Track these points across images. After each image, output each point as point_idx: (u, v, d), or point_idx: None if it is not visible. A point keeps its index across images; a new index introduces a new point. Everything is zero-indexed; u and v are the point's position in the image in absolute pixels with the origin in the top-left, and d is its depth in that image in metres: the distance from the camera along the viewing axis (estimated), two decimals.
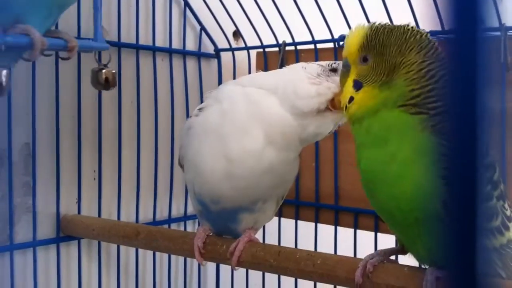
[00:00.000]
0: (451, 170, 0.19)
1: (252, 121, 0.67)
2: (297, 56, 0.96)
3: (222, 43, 1.07)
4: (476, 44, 0.19)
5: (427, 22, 0.80)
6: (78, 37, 0.86)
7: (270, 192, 0.71)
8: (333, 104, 0.67)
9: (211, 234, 0.75)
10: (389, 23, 0.68)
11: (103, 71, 0.81)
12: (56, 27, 0.83)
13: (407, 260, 0.74)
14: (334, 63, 0.69)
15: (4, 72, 0.59)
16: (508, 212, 0.58)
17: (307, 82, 0.67)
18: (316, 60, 0.94)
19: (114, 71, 0.83)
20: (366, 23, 0.61)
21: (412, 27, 0.59)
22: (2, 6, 0.57)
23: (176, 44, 1.03)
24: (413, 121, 0.54)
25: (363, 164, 0.59)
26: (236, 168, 0.68)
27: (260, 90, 0.69)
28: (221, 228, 0.75)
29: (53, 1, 0.63)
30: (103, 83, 0.81)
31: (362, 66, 0.59)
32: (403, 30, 0.58)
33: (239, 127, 0.68)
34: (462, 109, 0.19)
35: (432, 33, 0.82)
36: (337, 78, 0.66)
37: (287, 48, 0.98)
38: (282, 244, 0.97)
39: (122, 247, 0.94)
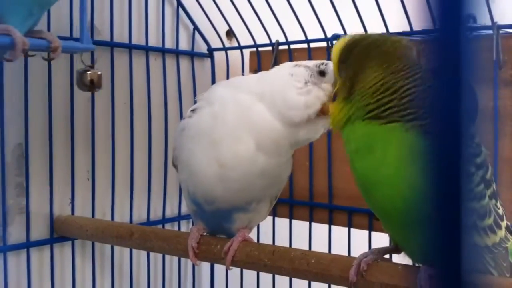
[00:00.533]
0: (435, 168, 0.19)
1: (242, 127, 0.67)
2: (290, 55, 0.96)
3: (215, 43, 1.07)
4: (460, 42, 0.19)
5: (420, 21, 0.80)
6: (70, 37, 0.86)
7: (264, 193, 0.71)
8: (323, 110, 0.66)
9: (205, 233, 0.75)
10: (369, 33, 0.68)
11: (88, 72, 0.81)
12: (49, 27, 0.83)
13: (402, 259, 0.74)
14: (322, 63, 0.68)
15: None
16: (500, 211, 0.58)
17: (296, 92, 0.66)
18: (309, 59, 0.94)
19: (100, 72, 0.82)
20: (350, 34, 0.62)
21: (387, 38, 0.59)
22: None
23: (169, 44, 1.03)
24: (384, 130, 0.55)
25: (355, 170, 0.59)
26: (228, 172, 0.68)
27: (249, 96, 0.68)
28: (216, 227, 0.74)
29: (33, 1, 0.62)
30: (88, 85, 0.81)
31: (340, 78, 0.60)
32: (369, 42, 0.58)
33: (230, 133, 0.67)
34: (446, 108, 0.19)
35: (425, 31, 0.82)
36: (325, 84, 0.66)
37: (281, 47, 0.98)
38: (276, 244, 0.97)
39: (116, 248, 0.94)
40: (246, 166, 0.67)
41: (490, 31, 0.74)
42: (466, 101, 0.18)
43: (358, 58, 0.58)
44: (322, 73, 0.67)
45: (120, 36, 0.95)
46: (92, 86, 0.81)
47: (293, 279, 1.00)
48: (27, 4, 0.62)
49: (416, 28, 0.83)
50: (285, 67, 0.70)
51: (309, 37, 0.94)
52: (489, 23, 0.74)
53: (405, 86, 0.54)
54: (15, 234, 0.83)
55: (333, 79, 0.65)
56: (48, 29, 0.83)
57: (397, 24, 0.85)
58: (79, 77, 0.81)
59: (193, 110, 0.72)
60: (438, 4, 0.19)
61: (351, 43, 0.59)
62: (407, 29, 0.84)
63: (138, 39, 0.98)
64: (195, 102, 0.75)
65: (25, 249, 0.83)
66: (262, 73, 0.73)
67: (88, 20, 0.90)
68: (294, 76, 0.67)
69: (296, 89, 0.66)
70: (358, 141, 0.57)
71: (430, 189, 0.18)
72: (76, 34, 0.86)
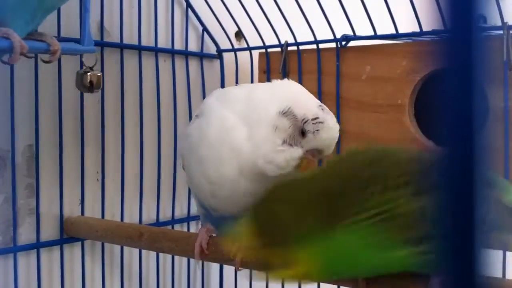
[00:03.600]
0: (448, 174, 0.19)
1: (224, 148, 0.66)
2: (299, 56, 0.96)
3: (224, 44, 1.07)
4: (471, 43, 0.19)
5: (430, 21, 0.80)
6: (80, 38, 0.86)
7: None
8: (299, 167, 0.65)
9: (213, 235, 0.75)
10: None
11: (88, 74, 0.81)
12: (59, 27, 0.83)
13: None
14: (306, 121, 0.65)
15: None
16: None
17: (275, 148, 0.64)
18: (318, 61, 0.94)
19: (99, 74, 0.82)
20: None
21: None
22: None
23: (178, 45, 1.03)
24: None
25: None
26: (217, 189, 0.68)
27: (234, 115, 0.67)
28: (224, 230, 0.75)
29: (38, 5, 0.63)
30: (88, 86, 0.81)
31: None
32: None
33: (213, 152, 0.66)
34: (457, 113, 0.19)
35: (435, 32, 0.82)
36: (299, 150, 0.65)
37: (290, 48, 0.98)
38: None
39: (125, 248, 0.94)
40: (232, 186, 0.66)
41: (500, 32, 0.74)
42: (478, 102, 0.18)
43: None
44: (303, 134, 0.65)
45: (130, 37, 0.95)
46: (91, 87, 0.81)
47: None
48: (31, 9, 0.62)
49: (426, 28, 0.82)
50: (272, 111, 0.66)
51: (318, 38, 0.94)
52: (499, 23, 0.73)
53: None
54: (26, 234, 0.83)
55: (319, 144, 0.65)
56: (58, 31, 0.84)
57: (407, 24, 0.85)
58: (79, 78, 0.81)
59: (197, 115, 0.73)
60: (449, 4, 0.19)
61: None
62: (417, 29, 0.83)
63: (147, 40, 0.98)
64: None
65: (35, 250, 0.83)
66: (250, 90, 0.70)
67: (97, 21, 0.90)
68: (277, 131, 0.65)
69: (276, 145, 0.64)
70: None
71: (443, 196, 0.18)
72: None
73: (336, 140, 0.66)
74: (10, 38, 0.60)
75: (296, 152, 0.64)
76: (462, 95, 0.19)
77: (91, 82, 0.81)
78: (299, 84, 0.71)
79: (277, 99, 0.66)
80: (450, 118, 0.19)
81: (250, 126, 0.66)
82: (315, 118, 0.65)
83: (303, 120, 0.64)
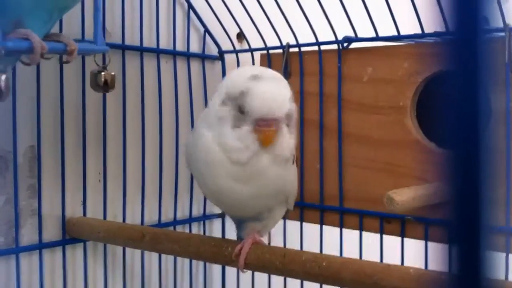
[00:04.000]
0: (453, 174, 0.19)
1: (207, 161, 0.66)
2: (301, 57, 0.96)
3: (226, 45, 1.07)
4: (476, 45, 0.19)
5: (432, 23, 0.80)
6: (82, 39, 0.86)
7: (269, 204, 0.70)
8: (262, 142, 0.64)
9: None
10: None
11: (102, 73, 0.81)
12: (60, 29, 0.83)
13: (413, 262, 0.74)
14: (238, 98, 0.64)
15: (3, 77, 0.59)
16: None
17: (230, 137, 0.64)
18: (320, 62, 0.94)
19: (113, 73, 0.83)
20: None
21: None
22: (3, 11, 0.57)
23: (180, 47, 1.03)
24: None
25: None
26: (221, 197, 0.69)
27: (205, 127, 0.67)
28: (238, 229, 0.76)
29: (54, 5, 0.63)
30: (102, 85, 0.81)
31: None
32: None
33: (202, 166, 0.67)
34: (462, 112, 0.19)
35: (437, 34, 0.81)
36: (246, 126, 0.64)
37: (291, 49, 0.98)
38: (287, 246, 0.97)
39: (127, 249, 0.94)
40: (232, 192, 0.66)
41: (502, 34, 0.74)
42: (483, 104, 0.18)
43: None
44: (242, 111, 0.64)
45: (131, 39, 0.95)
46: (106, 86, 0.81)
47: (305, 282, 0.99)
48: (48, 9, 0.62)
49: (428, 30, 0.82)
50: (216, 104, 0.66)
51: (320, 40, 0.94)
52: (501, 25, 0.73)
53: None
54: (28, 235, 0.83)
55: (255, 113, 0.63)
56: (60, 32, 0.84)
57: (409, 26, 0.85)
58: (93, 78, 0.82)
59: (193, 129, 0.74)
60: (453, 6, 0.19)
61: None
62: (419, 31, 0.83)
63: (149, 41, 0.98)
64: (206, 104, 0.75)
65: (37, 251, 0.83)
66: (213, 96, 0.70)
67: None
68: (223, 121, 0.65)
69: (227, 134, 0.64)
70: None
71: (449, 195, 0.18)
72: (87, 36, 0.87)
73: (275, 100, 0.63)
74: (30, 39, 0.60)
75: (244, 130, 0.63)
76: (466, 96, 0.19)
77: (105, 81, 0.81)
78: (246, 66, 0.71)
79: (219, 93, 0.67)
80: (455, 120, 0.19)
81: (212, 131, 0.66)
82: (244, 91, 0.63)
83: (236, 98, 0.64)
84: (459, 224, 0.18)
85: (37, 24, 0.61)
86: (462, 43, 0.19)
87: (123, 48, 0.93)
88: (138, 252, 0.96)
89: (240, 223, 0.74)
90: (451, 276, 0.18)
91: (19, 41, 0.60)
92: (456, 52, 0.19)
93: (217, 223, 1.10)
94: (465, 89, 0.19)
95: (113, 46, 0.91)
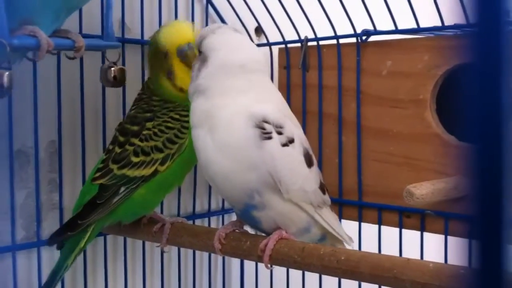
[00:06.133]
0: (477, 168, 0.18)
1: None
2: (319, 51, 0.96)
3: None
4: (499, 37, 0.18)
5: (452, 15, 0.79)
6: (102, 34, 0.87)
7: (247, 179, 0.69)
8: None
9: (241, 229, 0.76)
10: None
11: (112, 68, 0.82)
12: (80, 25, 0.84)
13: (433, 256, 0.73)
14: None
15: (7, 73, 0.59)
16: None
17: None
18: (339, 56, 0.93)
19: (123, 68, 0.83)
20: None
21: None
22: (10, 10, 0.57)
23: None
24: None
25: None
26: (206, 172, 0.72)
27: None
28: (251, 226, 0.76)
29: (61, 5, 0.64)
30: (112, 81, 0.82)
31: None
32: None
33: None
34: (485, 106, 0.18)
35: (457, 26, 0.81)
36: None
37: (310, 43, 0.97)
38: None
39: (147, 243, 0.95)
40: (202, 149, 0.71)
41: None
42: (505, 97, 0.18)
43: None
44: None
45: (150, 33, 0.95)
46: (115, 81, 0.82)
47: (323, 276, 0.99)
48: (55, 8, 0.63)
49: (448, 23, 0.82)
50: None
51: (339, 33, 0.94)
52: None
53: None
54: (49, 229, 0.84)
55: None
56: (80, 28, 0.84)
57: (428, 19, 0.84)
58: (103, 73, 0.82)
59: None
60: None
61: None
62: (439, 24, 0.83)
63: None
64: None
65: None
66: None
67: (118, 18, 0.91)
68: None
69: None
70: None
71: (471, 189, 0.18)
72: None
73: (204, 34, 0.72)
74: (36, 35, 0.61)
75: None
76: (489, 89, 0.19)
77: (115, 76, 0.82)
78: None
79: None
80: (477, 113, 0.19)
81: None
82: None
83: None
84: (481, 218, 0.18)
85: (45, 22, 0.62)
86: (485, 36, 0.19)
87: (142, 43, 0.94)
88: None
89: (244, 216, 0.74)
90: (473, 270, 0.18)
91: (25, 38, 0.60)
92: (479, 45, 0.19)
93: (236, 217, 1.10)
94: (487, 82, 0.19)
95: (132, 41, 0.92)
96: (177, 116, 0.78)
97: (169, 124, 0.77)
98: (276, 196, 0.70)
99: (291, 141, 0.70)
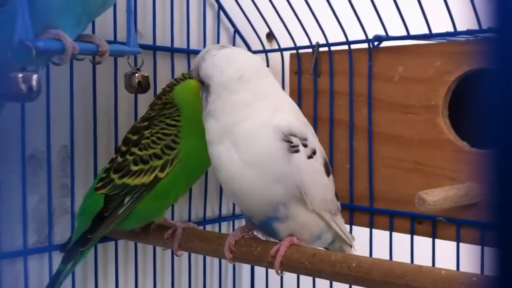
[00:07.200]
0: (492, 179, 0.18)
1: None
2: (331, 56, 0.96)
3: (255, 45, 1.07)
4: None
5: (465, 22, 0.79)
6: (114, 41, 0.87)
7: (273, 191, 0.69)
8: None
9: (249, 235, 0.76)
10: None
11: (136, 74, 0.82)
12: (93, 30, 0.85)
13: (445, 263, 0.73)
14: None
15: (35, 76, 0.59)
16: None
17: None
18: (350, 62, 0.93)
19: (147, 74, 0.84)
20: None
21: None
22: (34, 14, 0.57)
23: None
24: None
25: None
26: (228, 185, 0.72)
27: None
28: (265, 234, 0.76)
29: (82, 11, 0.64)
30: (136, 87, 0.82)
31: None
32: None
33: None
34: (501, 112, 0.18)
35: (470, 32, 0.80)
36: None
37: (321, 49, 0.97)
38: None
39: (158, 248, 0.95)
40: (226, 165, 0.70)
41: None
42: None
43: None
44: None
45: (162, 39, 0.96)
46: (140, 87, 0.83)
47: (334, 283, 0.99)
48: (75, 13, 0.63)
49: (460, 28, 0.81)
50: None
51: (350, 39, 0.94)
52: None
53: None
54: (60, 234, 0.85)
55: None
56: (93, 33, 0.85)
57: (440, 24, 0.83)
58: (127, 79, 0.83)
59: None
60: (494, 4, 0.18)
61: None
62: (451, 29, 0.82)
63: (180, 42, 0.99)
64: None
65: None
66: None
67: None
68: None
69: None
70: None
71: (487, 196, 0.18)
72: (120, 37, 0.88)
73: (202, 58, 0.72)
74: (61, 39, 0.61)
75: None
76: (506, 95, 0.18)
77: (139, 82, 0.82)
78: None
79: None
80: (493, 119, 0.19)
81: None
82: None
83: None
84: (498, 226, 0.18)
85: (67, 27, 0.62)
86: (502, 41, 0.19)
87: (154, 49, 0.94)
88: (168, 250, 0.96)
89: (265, 226, 0.73)
90: (491, 278, 0.18)
91: (50, 41, 0.61)
92: (496, 50, 0.19)
93: (244, 222, 1.10)
94: (504, 88, 0.19)
95: (144, 47, 0.92)
96: (173, 122, 0.78)
97: (166, 131, 0.77)
98: (301, 208, 0.70)
99: (314, 152, 0.71)
